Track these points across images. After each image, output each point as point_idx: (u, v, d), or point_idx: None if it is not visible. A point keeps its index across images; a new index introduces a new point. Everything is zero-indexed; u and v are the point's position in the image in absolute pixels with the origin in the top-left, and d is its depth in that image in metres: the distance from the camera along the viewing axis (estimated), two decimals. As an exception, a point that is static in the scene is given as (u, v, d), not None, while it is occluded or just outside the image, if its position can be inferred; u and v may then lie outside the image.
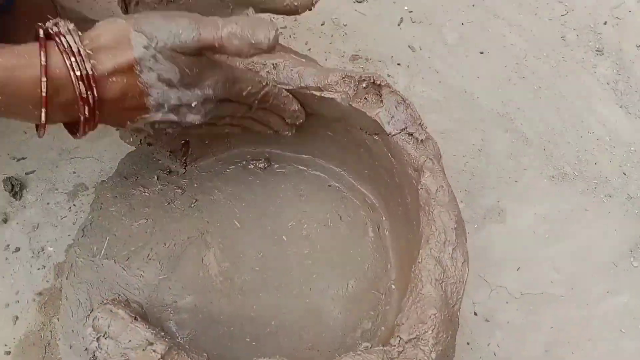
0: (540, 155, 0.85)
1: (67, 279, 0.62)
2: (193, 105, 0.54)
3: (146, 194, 0.67)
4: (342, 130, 0.65)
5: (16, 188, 0.76)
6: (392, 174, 0.62)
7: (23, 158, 0.80)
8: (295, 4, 0.63)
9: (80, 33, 0.49)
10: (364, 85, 0.58)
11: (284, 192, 0.69)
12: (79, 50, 0.48)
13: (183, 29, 0.50)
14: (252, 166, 0.70)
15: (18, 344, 0.68)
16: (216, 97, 0.55)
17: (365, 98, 0.59)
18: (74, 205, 0.77)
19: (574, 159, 0.85)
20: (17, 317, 0.70)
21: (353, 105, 0.58)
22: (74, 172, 0.79)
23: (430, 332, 0.48)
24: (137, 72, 0.50)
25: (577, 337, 0.73)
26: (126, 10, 0.68)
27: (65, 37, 0.48)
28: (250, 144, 0.70)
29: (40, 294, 0.71)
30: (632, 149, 0.87)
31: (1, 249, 0.73)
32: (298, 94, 0.60)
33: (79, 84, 0.48)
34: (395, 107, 0.57)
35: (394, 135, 0.57)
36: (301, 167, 0.71)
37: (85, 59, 0.48)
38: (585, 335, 0.73)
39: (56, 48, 0.48)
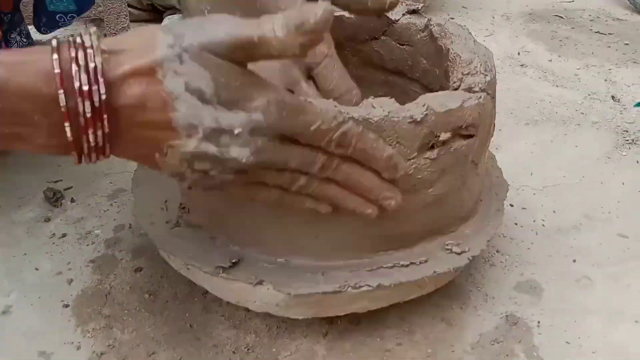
0: (510, 117, 1.01)
1: (137, 187, 0.64)
2: (236, 132, 0.39)
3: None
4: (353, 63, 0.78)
5: (57, 195, 0.79)
6: (404, 68, 0.74)
7: (59, 180, 0.84)
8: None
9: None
10: None
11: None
12: (91, 45, 0.38)
13: (216, 23, 0.40)
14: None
15: (76, 298, 0.64)
16: (270, 127, 0.40)
17: None
18: (115, 202, 0.80)
19: (538, 113, 1.01)
20: (71, 280, 0.67)
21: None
22: (111, 183, 0.84)
23: (479, 66, 0.56)
24: (160, 76, 0.38)
25: (607, 202, 0.79)
26: None
27: (81, 36, 0.39)
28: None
29: (92, 261, 0.70)
30: (579, 102, 1.05)
31: (47, 237, 0.73)
32: None
33: (79, 75, 0.37)
34: None
35: (398, 20, 0.72)
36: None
37: (96, 53, 0.38)
38: (612, 199, 0.79)
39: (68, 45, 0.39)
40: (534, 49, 1.28)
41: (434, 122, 0.49)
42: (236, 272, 0.52)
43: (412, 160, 0.49)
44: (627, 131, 0.94)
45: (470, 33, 0.65)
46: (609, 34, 1.37)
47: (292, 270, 0.52)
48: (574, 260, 0.69)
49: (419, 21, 0.70)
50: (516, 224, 0.75)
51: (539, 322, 0.61)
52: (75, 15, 0.91)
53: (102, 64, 0.38)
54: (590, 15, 1.47)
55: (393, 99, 0.50)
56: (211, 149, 0.40)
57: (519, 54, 1.26)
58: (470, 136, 0.53)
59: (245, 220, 0.53)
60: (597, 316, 0.61)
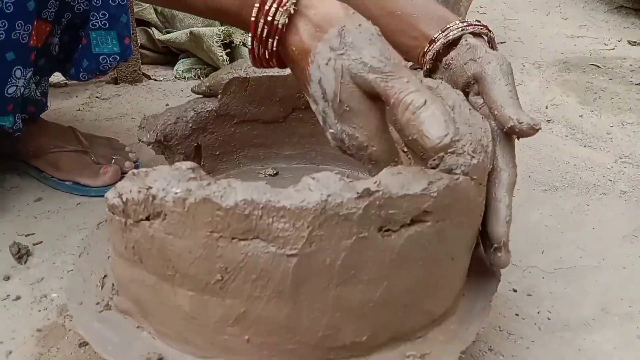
0: (527, 180, 0.91)
1: (80, 257, 0.58)
2: (331, 130, 0.49)
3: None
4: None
5: (22, 251, 0.75)
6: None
7: (31, 234, 0.80)
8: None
9: None
10: None
11: (294, 188, 0.71)
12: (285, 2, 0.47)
13: (376, 64, 0.45)
14: (262, 175, 0.74)
15: (6, 376, 0.59)
16: (349, 147, 0.49)
17: None
18: (81, 261, 0.74)
19: (559, 178, 0.91)
20: (10, 352, 0.61)
21: None
22: (83, 240, 0.79)
23: (467, 145, 0.47)
24: (310, 60, 0.47)
25: (628, 292, 0.67)
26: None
27: None
28: (258, 161, 0.75)
29: (39, 330, 0.64)
30: (607, 166, 0.94)
31: (0, 299, 0.68)
32: None
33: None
34: None
35: None
36: (307, 172, 0.74)
37: (283, 11, 0.47)
38: (635, 289, 0.68)
39: None
40: (564, 102, 1.18)
41: (387, 203, 0.42)
42: (153, 380, 0.45)
43: (361, 245, 0.41)
44: (660, 204, 0.83)
45: (465, 99, 0.57)
46: (652, 86, 1.25)
47: (217, 381, 0.44)
48: (580, 368, 0.58)
49: None
50: (517, 314, 0.65)
51: None
52: (118, 57, 0.89)
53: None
54: (631, 65, 1.35)
55: (336, 174, 0.42)
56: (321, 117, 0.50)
57: (547, 107, 1.16)
58: (438, 222, 0.44)
59: (169, 315, 0.46)
60: None
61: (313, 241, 0.41)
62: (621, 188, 0.87)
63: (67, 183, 0.89)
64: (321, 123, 0.50)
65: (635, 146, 1.00)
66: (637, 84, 1.25)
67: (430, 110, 0.44)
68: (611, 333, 0.62)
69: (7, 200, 0.87)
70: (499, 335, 0.62)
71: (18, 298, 0.68)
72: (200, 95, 0.72)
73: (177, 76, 1.33)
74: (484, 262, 0.58)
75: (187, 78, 1.32)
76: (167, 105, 1.18)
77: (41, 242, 0.78)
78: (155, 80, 1.31)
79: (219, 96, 0.70)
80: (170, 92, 1.25)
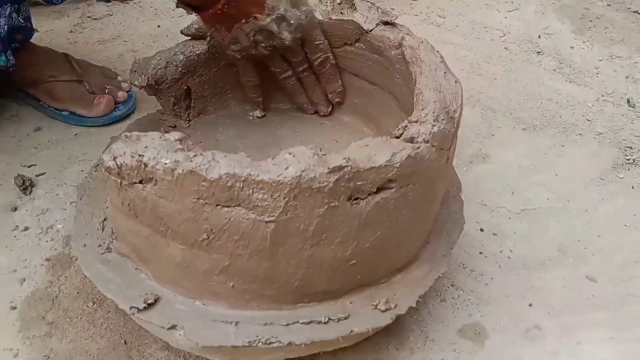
0: (509, 118, 0.94)
1: (80, 199, 0.64)
2: (292, 22, 0.64)
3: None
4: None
5: (27, 183, 0.80)
6: (380, 80, 0.69)
7: (33, 165, 0.84)
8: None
9: None
10: (338, 1, 0.69)
11: (281, 130, 0.75)
12: None
13: None
14: (250, 116, 0.77)
15: (24, 300, 0.66)
16: (302, 26, 0.65)
17: (341, 12, 0.69)
18: (82, 193, 0.80)
19: (540, 116, 0.94)
20: (24, 279, 0.68)
21: (332, 17, 0.69)
22: (82, 171, 0.83)
23: (430, 114, 0.51)
24: None
25: (586, 235, 0.74)
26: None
27: None
28: (247, 102, 0.78)
29: (48, 259, 0.71)
30: (589, 104, 0.96)
31: (10, 229, 0.74)
32: None
33: None
34: (368, 10, 0.67)
35: (371, 30, 0.66)
36: (294, 114, 0.77)
37: None
38: (592, 232, 0.74)
39: None
40: (557, 31, 1.17)
41: (355, 176, 0.46)
42: (151, 314, 0.51)
43: (332, 213, 0.46)
44: (631, 147, 0.87)
45: (443, 61, 0.59)
46: (650, 14, 1.23)
47: (205, 317, 0.51)
48: (530, 305, 0.65)
49: (392, 35, 0.64)
50: (481, 252, 0.71)
51: (472, 376, 0.59)
52: None
53: None
54: (633, -9, 1.32)
55: (308, 148, 0.46)
56: (274, 27, 0.64)
57: (539, 37, 1.15)
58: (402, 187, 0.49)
59: (164, 262, 0.52)
60: (535, 376, 0.59)
61: (289, 210, 0.46)
62: (597, 129, 0.91)
63: (64, 113, 0.92)
64: (275, 29, 0.64)
65: (619, 83, 1.01)
66: (634, 12, 1.24)
67: None
68: (564, 273, 0.69)
69: (7, 129, 0.90)
70: (462, 272, 0.69)
71: (26, 229, 0.74)
72: (189, 37, 0.73)
73: (169, -7, 1.30)
74: (450, 207, 0.64)
75: (179, -5, 1.30)
76: (159, 26, 1.17)
77: (43, 173, 0.83)
78: (147, -3, 1.29)
79: (207, 39, 0.71)
80: (161, 12, 1.23)
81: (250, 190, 0.45)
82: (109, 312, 0.65)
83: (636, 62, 1.07)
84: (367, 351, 0.61)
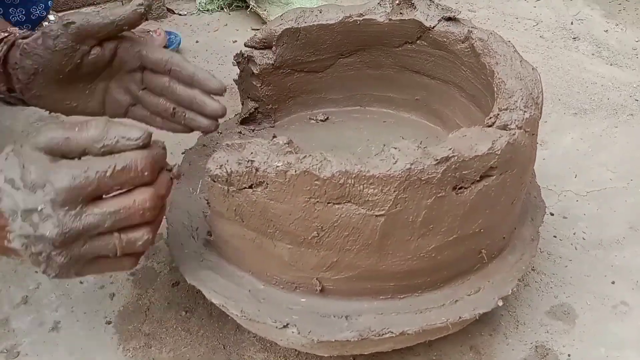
0: (557, 104, 0.95)
1: (169, 211, 0.66)
2: (39, 208, 0.43)
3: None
4: (388, 65, 0.75)
5: (99, 201, 0.82)
6: (443, 74, 0.71)
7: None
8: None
9: None
10: (397, 2, 0.71)
11: (346, 131, 0.77)
12: None
13: (49, 129, 0.44)
14: (313, 120, 0.79)
15: (118, 314, 0.68)
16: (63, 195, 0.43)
17: (400, 12, 0.71)
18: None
19: (588, 100, 0.95)
20: (113, 294, 0.70)
21: (393, 18, 0.70)
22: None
23: (519, 101, 0.53)
24: None
25: (655, 212, 0.75)
26: None
27: None
28: (308, 107, 0.80)
29: (133, 273, 0.73)
30: (634, 85, 0.98)
31: (90, 247, 0.76)
32: (342, 26, 0.72)
33: None
34: (427, 7, 0.69)
35: (434, 26, 0.68)
36: (355, 114, 0.79)
37: None
38: (661, 209, 0.75)
39: None
40: (589, 16, 1.19)
41: (460, 166, 0.48)
42: (262, 314, 0.53)
43: (439, 203, 0.48)
44: (684, 123, 0.88)
45: (516, 51, 0.61)
46: (677, -7, 1.24)
47: (315, 313, 0.53)
48: (613, 282, 0.67)
49: (457, 30, 0.66)
50: (555, 236, 0.73)
51: (569, 355, 0.60)
52: None
53: None
54: (657, -29, 1.33)
55: (414, 142, 0.48)
56: (28, 229, 0.43)
57: (572, 23, 1.17)
58: (501, 174, 0.51)
59: (269, 262, 0.53)
60: (632, 350, 0.60)
61: (398, 203, 0.47)
62: (647, 108, 0.92)
63: None
64: (32, 233, 0.43)
65: (661, 62, 1.03)
66: (661, -9, 1.25)
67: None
68: (639, 250, 0.70)
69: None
70: (540, 256, 0.70)
71: (106, 245, 0.76)
72: (251, 48, 0.75)
73: (200, 9, 1.33)
74: (529, 193, 0.65)
75: (211, 10, 1.32)
76: (197, 42, 1.20)
77: (112, 191, 0.85)
78: (180, 14, 1.32)
79: (273, 48, 0.73)
80: (197, 28, 1.26)
81: (361, 186, 0.47)
82: (202, 319, 0.66)
83: (673, 41, 1.08)
84: (462, 340, 0.62)
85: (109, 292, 0.71)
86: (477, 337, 0.62)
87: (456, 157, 0.47)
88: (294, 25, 0.72)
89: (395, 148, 0.48)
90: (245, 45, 0.75)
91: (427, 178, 0.47)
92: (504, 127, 0.52)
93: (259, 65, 0.73)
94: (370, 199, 0.47)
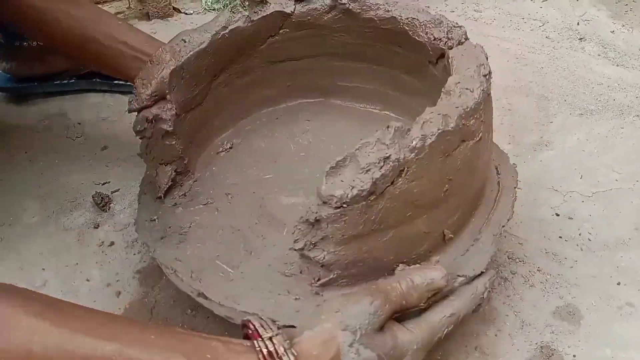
0: (563, 105, 0.95)
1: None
2: None
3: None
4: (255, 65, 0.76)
5: (105, 200, 0.82)
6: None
7: (107, 182, 0.87)
8: None
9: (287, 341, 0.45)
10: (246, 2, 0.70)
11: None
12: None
13: (375, 308, 0.47)
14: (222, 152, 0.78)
15: (124, 312, 0.68)
16: None
17: (255, 12, 0.71)
18: (159, 205, 0.82)
19: (594, 100, 0.95)
20: (119, 292, 0.71)
21: (254, 19, 0.70)
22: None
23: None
24: None
25: (661, 213, 0.75)
26: None
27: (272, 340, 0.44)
28: (207, 145, 0.78)
29: (139, 272, 0.73)
30: (640, 86, 0.97)
31: (96, 245, 0.77)
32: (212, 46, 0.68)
33: None
34: None
35: (294, 10, 0.71)
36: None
37: None
38: (667, 210, 0.75)
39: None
40: (595, 17, 1.18)
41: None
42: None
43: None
44: (692, 125, 0.88)
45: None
46: (684, -6, 1.24)
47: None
48: (618, 283, 0.67)
49: (318, 5, 0.71)
50: (560, 237, 0.73)
51: (574, 355, 0.60)
52: None
53: None
54: (663, -28, 1.33)
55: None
56: None
57: (578, 23, 1.17)
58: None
59: (404, 246, 0.55)
60: (638, 351, 0.60)
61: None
62: (654, 109, 0.92)
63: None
64: None
65: (668, 63, 1.02)
66: (668, -8, 1.25)
67: None
68: (645, 251, 0.70)
69: (77, 150, 0.93)
70: (545, 257, 0.70)
71: (112, 244, 0.77)
72: (144, 109, 0.65)
73: (206, 8, 1.33)
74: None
75: (217, 9, 1.33)
76: (203, 41, 1.20)
77: (118, 189, 0.85)
78: (186, 14, 1.32)
79: (167, 97, 0.66)
80: (203, 27, 1.26)
81: (469, 121, 0.53)
82: (208, 317, 0.67)
83: (680, 42, 1.08)
84: (467, 340, 0.62)
85: (115, 290, 0.71)
86: (483, 337, 0.62)
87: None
88: (176, 64, 0.65)
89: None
90: (134, 110, 0.65)
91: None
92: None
93: (169, 120, 0.65)
94: (472, 129, 0.52)
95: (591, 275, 0.68)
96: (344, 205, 0.47)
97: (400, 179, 0.48)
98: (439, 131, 0.48)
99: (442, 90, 0.52)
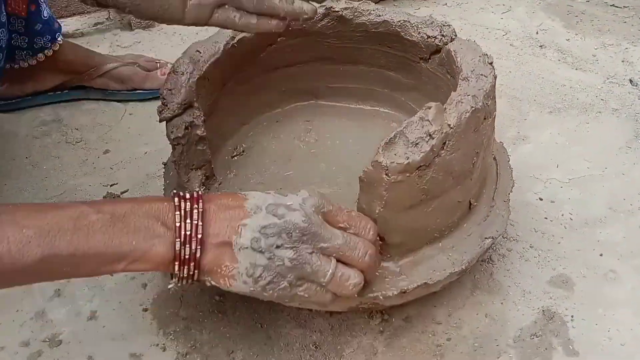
0: (534, 104, 1.05)
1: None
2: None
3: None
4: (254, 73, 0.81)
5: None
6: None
7: (115, 183, 0.89)
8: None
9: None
10: None
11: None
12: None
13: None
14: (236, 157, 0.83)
15: (153, 302, 0.71)
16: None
17: None
18: (171, 204, 0.85)
19: (560, 100, 1.06)
20: (145, 284, 0.74)
21: None
22: (164, 185, 0.89)
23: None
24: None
25: (628, 194, 0.85)
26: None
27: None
28: (221, 151, 0.83)
29: (161, 264, 0.76)
30: (598, 87, 1.09)
31: (115, 242, 0.79)
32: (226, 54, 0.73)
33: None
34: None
35: None
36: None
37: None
38: (633, 191, 0.85)
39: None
40: (551, 27, 1.31)
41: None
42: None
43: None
44: (645, 119, 0.99)
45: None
46: (624, 7, 1.38)
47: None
48: (601, 255, 0.76)
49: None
50: (546, 218, 0.81)
51: (572, 316, 0.68)
52: None
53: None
54: (605, -13, 1.48)
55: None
56: (271, 219, 0.51)
57: (537, 32, 1.28)
58: None
59: (445, 214, 0.62)
60: (625, 309, 0.69)
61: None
62: (612, 106, 1.03)
63: (139, 91, 1.05)
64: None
65: (618, 67, 1.15)
66: (611, 5, 1.39)
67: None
68: (620, 226, 0.80)
69: (78, 154, 0.95)
70: (535, 235, 0.79)
71: (131, 240, 0.79)
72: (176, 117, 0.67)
73: (187, 19, 1.37)
74: None
75: (198, 20, 1.36)
76: (189, 50, 1.24)
77: (127, 190, 0.88)
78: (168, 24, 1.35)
79: (195, 104, 0.69)
80: (186, 37, 1.29)
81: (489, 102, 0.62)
82: (237, 302, 0.71)
83: (627, 48, 1.21)
84: (477, 309, 0.69)
85: (140, 282, 0.74)
86: (490, 305, 0.70)
87: None
88: (199, 73, 0.69)
89: None
90: (166, 119, 0.67)
91: None
92: None
93: (201, 125, 0.67)
94: (490, 108, 0.61)
95: (576, 249, 0.77)
96: (404, 173, 0.53)
97: (442, 151, 0.55)
98: (472, 109, 0.55)
99: (460, 77, 0.60)
